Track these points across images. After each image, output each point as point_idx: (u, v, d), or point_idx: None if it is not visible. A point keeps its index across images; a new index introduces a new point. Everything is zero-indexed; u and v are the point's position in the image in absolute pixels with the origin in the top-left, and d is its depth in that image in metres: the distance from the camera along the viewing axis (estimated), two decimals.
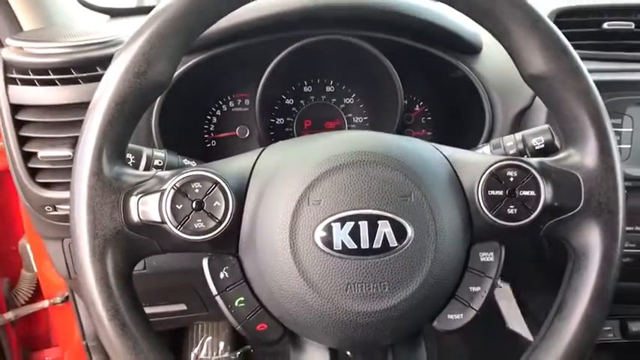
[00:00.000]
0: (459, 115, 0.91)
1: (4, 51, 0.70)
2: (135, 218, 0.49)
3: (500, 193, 0.51)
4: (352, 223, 0.48)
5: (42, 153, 0.68)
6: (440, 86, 0.92)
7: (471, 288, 0.53)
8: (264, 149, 0.55)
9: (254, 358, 1.54)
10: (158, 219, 0.49)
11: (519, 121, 0.82)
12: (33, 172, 0.73)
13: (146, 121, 0.75)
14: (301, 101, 0.95)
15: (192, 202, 0.49)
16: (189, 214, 0.49)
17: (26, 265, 1.22)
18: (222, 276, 0.51)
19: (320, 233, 0.48)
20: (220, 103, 0.94)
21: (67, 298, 1.16)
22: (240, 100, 0.95)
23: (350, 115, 0.96)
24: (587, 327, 0.50)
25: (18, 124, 0.71)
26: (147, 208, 0.49)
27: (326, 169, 0.49)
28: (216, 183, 0.49)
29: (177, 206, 0.49)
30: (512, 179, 0.51)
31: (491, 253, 0.53)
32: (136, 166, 0.61)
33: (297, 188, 0.49)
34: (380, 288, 0.48)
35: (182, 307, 1.04)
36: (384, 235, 0.48)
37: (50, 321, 1.30)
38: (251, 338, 0.52)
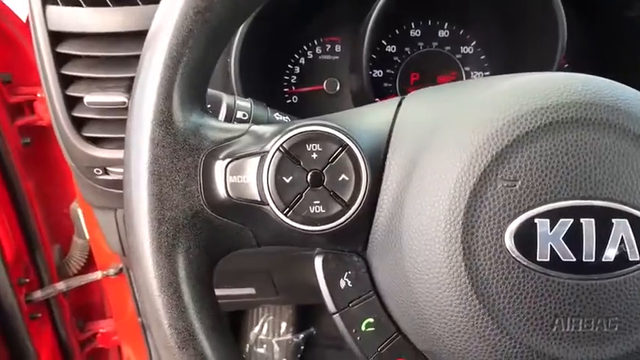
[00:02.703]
0: (617, 74, 0.69)
1: None
2: (221, 194, 0.32)
3: None
4: (570, 220, 0.29)
5: (89, 98, 0.53)
6: (601, 30, 0.70)
7: None
8: (403, 98, 0.37)
9: (317, 342, 1.41)
10: (256, 197, 0.32)
11: None
12: (78, 124, 0.57)
13: (222, 65, 0.58)
14: (406, 49, 0.76)
15: (308, 173, 0.32)
16: (302, 191, 0.32)
17: (78, 231, 1.11)
18: (342, 284, 0.34)
19: (514, 233, 0.29)
20: (305, 48, 0.76)
21: (120, 270, 1.05)
22: (329, 46, 0.76)
23: (468, 68, 0.75)
24: None
25: (59, 60, 0.54)
26: (240, 179, 0.32)
27: (526, 131, 0.30)
28: (344, 146, 0.32)
29: (284, 179, 0.32)
30: None
31: None
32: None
33: (476, 158, 0.30)
34: (607, 326, 0.30)
35: (250, 290, 0.89)
36: (621, 241, 0.29)
37: (104, 292, 1.20)
38: None
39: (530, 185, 0.30)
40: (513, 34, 0.72)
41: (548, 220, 0.29)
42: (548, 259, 0.29)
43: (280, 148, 0.32)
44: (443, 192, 0.31)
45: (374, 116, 0.36)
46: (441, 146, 0.32)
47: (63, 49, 0.53)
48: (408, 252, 0.32)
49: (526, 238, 0.29)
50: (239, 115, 0.45)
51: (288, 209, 0.32)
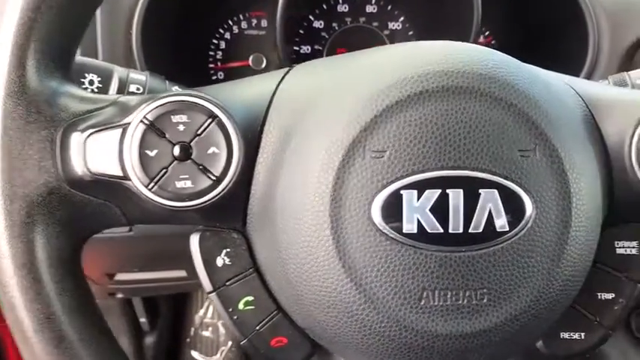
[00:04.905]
0: (542, 48, 0.70)
1: None
2: (81, 169, 0.30)
3: None
4: (437, 191, 0.29)
5: None
6: (517, 8, 0.70)
7: (599, 294, 0.34)
8: (290, 69, 0.36)
9: None
10: (117, 171, 0.30)
11: (632, 56, 0.61)
12: None
13: (124, 37, 0.54)
14: (334, 24, 0.75)
15: (174, 145, 0.30)
16: (168, 165, 0.30)
17: None
18: (220, 263, 0.33)
19: (381, 205, 0.29)
20: (230, 23, 0.74)
21: None
22: (255, 21, 0.74)
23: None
24: None
25: None
26: (100, 152, 0.30)
27: (395, 101, 0.29)
28: (214, 117, 0.30)
29: (148, 152, 0.30)
30: None
31: (634, 243, 0.35)
32: (103, 93, 0.42)
33: (346, 129, 0.30)
34: (476, 298, 0.29)
35: (182, 273, 0.87)
36: (490, 212, 0.29)
37: None
38: (261, 358, 0.34)
39: (398, 156, 0.29)
40: (440, 10, 0.71)
41: (415, 192, 0.29)
42: (415, 231, 0.29)
43: (144, 120, 0.30)
44: (313, 164, 0.30)
45: (255, 87, 0.34)
46: (315, 118, 0.31)
47: None
48: (281, 227, 0.31)
49: (393, 209, 0.29)
50: (132, 88, 0.43)
51: (152, 184, 0.30)
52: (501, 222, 0.29)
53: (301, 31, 0.74)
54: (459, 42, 0.33)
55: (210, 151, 0.30)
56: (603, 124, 0.34)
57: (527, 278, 0.30)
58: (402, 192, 0.29)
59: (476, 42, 0.73)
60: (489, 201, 0.29)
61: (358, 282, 0.29)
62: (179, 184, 0.30)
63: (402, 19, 0.74)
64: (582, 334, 0.34)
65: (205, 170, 0.30)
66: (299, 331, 0.34)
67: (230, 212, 0.33)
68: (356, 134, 0.29)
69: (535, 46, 0.71)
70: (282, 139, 0.32)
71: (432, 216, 0.29)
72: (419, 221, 0.29)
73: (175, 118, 0.30)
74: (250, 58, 0.74)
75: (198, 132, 0.30)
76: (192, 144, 0.30)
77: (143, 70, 0.56)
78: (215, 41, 0.74)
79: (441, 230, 0.29)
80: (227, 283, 0.33)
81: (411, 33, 0.75)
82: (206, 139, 0.30)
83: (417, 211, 0.29)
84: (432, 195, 0.29)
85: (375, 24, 0.74)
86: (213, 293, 0.33)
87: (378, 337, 0.30)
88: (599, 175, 0.33)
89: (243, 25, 0.74)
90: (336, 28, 0.75)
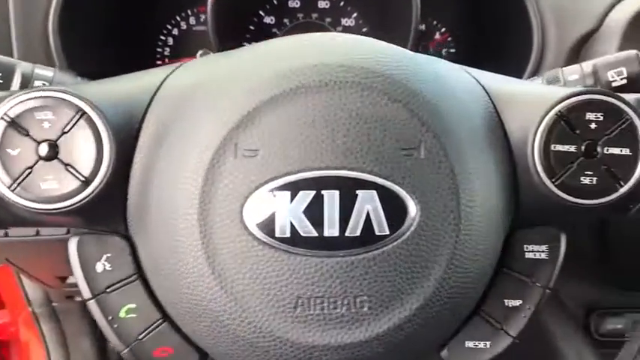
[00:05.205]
0: (493, 45, 0.68)
1: None
2: None
3: (573, 149, 0.30)
4: (312, 192, 0.27)
5: None
6: (471, 5, 0.69)
7: (506, 301, 0.33)
8: (180, 65, 0.34)
9: None
10: None
11: (578, 53, 0.59)
12: None
13: (42, 33, 0.51)
14: (285, 20, 0.73)
15: (39, 144, 0.28)
16: (32, 165, 0.28)
17: None
18: (100, 268, 0.31)
19: (253, 207, 0.27)
20: (178, 19, 0.72)
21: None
22: (203, 16, 0.72)
23: None
24: None
25: None
26: None
27: (269, 97, 0.28)
28: (82, 113, 0.28)
29: (9, 151, 0.28)
30: (593, 126, 0.30)
31: (544, 247, 0.33)
32: (5, 89, 0.40)
33: (218, 127, 0.28)
34: (355, 306, 0.28)
35: None
36: (367, 214, 0.27)
37: None
38: None
39: (271, 155, 0.27)
40: (391, 6, 0.69)
41: (288, 193, 0.27)
42: (288, 235, 0.27)
43: (4, 117, 0.28)
44: (184, 163, 0.28)
45: (136, 83, 0.33)
46: (191, 115, 0.29)
47: None
48: (154, 230, 0.29)
49: (265, 212, 0.27)
50: (37, 84, 0.41)
51: (15, 185, 0.28)
52: (381, 225, 0.27)
53: (252, 27, 0.72)
54: (347, 34, 0.32)
55: (77, 149, 0.29)
56: (507, 119, 0.32)
57: (413, 284, 0.28)
58: (274, 193, 0.27)
59: (429, 39, 0.72)
60: (367, 202, 0.27)
61: (229, 290, 0.27)
62: (44, 185, 0.28)
63: (354, 15, 0.73)
64: (488, 342, 0.33)
65: (72, 169, 0.29)
66: (187, 341, 0.32)
67: (107, 215, 0.31)
68: (227, 131, 0.27)
69: (488, 42, 0.69)
70: (160, 137, 0.30)
71: (306, 219, 0.27)
72: (292, 224, 0.27)
73: (40, 115, 0.28)
74: (198, 54, 0.72)
75: (65, 129, 0.28)
76: (58, 142, 0.28)
77: (62, 66, 0.54)
78: (162, 37, 0.72)
79: (316, 234, 0.27)
80: (107, 290, 0.31)
81: (364, 29, 0.73)
82: (73, 137, 0.28)
83: (290, 214, 0.27)
84: (306, 197, 0.27)
85: (328, 20, 0.73)
86: (92, 300, 0.31)
87: (251, 348, 0.28)
88: (500, 175, 0.31)
89: (192, 20, 0.72)
90: (288, 24, 0.73)
